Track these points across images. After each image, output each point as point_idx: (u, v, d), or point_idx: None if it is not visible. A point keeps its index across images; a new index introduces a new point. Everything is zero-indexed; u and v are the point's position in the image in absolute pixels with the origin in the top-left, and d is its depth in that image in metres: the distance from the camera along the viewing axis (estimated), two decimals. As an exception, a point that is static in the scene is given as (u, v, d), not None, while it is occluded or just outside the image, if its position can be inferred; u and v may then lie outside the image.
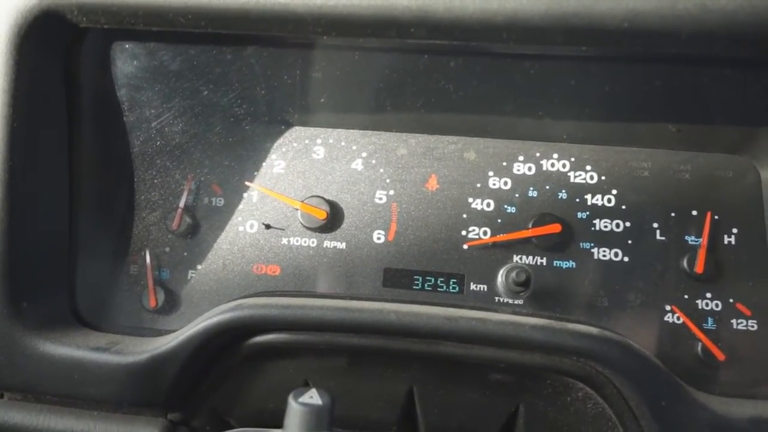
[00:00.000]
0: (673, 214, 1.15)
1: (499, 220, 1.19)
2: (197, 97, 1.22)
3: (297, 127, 1.25)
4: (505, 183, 1.20)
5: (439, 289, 1.17)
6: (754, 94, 1.10)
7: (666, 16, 0.85)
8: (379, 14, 0.91)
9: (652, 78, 1.11)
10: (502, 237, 1.17)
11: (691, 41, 0.91)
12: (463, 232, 1.19)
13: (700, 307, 1.10)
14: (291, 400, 0.75)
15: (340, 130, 1.24)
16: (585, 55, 1.09)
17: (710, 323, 1.09)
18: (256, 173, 1.24)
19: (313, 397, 0.75)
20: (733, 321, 1.10)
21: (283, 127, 1.25)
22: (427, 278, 1.18)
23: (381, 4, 0.91)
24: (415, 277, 1.18)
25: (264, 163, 1.24)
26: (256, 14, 0.94)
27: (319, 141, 1.25)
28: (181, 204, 1.23)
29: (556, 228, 1.15)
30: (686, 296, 1.11)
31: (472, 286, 1.16)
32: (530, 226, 1.16)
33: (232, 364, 0.99)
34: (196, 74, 1.21)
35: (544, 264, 1.16)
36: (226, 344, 0.97)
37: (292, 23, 0.93)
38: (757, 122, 1.12)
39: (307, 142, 1.25)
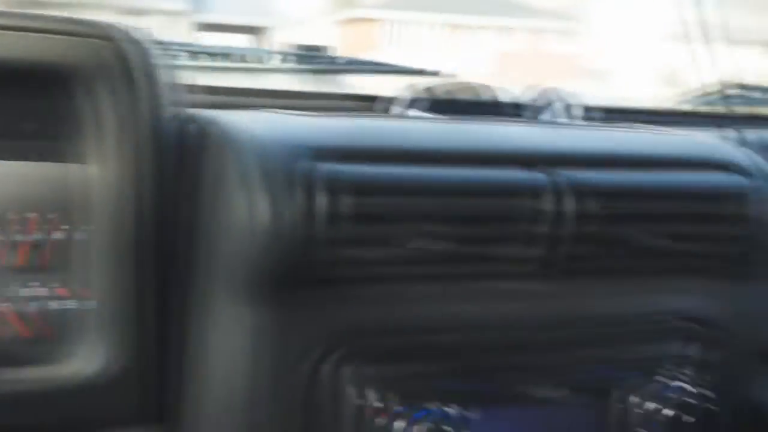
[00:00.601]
0: (9, 216, 1.03)
1: None
2: None
3: None
4: None
5: None
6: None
7: None
8: None
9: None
10: None
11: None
12: None
13: (22, 294, 1.06)
14: None
15: None
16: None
17: (29, 307, 1.06)
18: None
19: None
20: (53, 303, 1.07)
21: None
22: None
23: None
24: None
25: None
26: None
27: None
28: None
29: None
30: (10, 286, 1.06)
31: None
32: None
33: None
34: None
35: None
36: None
37: None
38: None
39: None
